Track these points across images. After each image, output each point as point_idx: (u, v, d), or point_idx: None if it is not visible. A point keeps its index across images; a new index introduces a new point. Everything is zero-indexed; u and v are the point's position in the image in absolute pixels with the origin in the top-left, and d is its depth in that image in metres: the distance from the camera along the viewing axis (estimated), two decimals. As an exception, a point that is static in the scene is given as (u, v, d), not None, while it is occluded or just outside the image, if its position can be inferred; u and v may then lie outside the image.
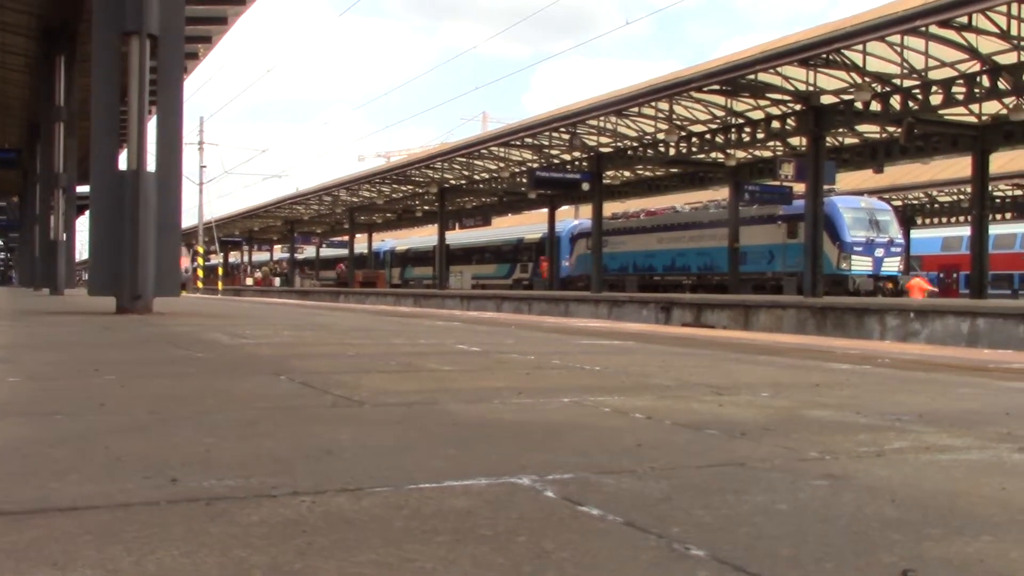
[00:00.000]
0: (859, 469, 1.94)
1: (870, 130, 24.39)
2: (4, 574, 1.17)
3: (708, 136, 25.44)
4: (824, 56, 18.65)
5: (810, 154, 20.92)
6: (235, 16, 19.18)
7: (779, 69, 19.67)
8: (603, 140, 28.40)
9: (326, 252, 57.69)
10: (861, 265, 26.57)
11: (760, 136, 23.96)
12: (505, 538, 1.36)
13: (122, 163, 9.31)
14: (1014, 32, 16.85)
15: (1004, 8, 16.06)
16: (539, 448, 2.14)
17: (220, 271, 53.36)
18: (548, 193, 33.94)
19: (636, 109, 24.35)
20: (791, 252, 26.95)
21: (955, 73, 18.93)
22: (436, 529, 1.40)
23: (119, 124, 9.47)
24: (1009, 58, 17.97)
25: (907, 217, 35.96)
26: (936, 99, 19.45)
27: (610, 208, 34.71)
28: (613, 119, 26.07)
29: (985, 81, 18.58)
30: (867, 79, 19.68)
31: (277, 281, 59.64)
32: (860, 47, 18.24)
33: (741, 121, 24.07)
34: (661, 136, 25.81)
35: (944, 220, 38.26)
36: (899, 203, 35.58)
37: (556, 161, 31.92)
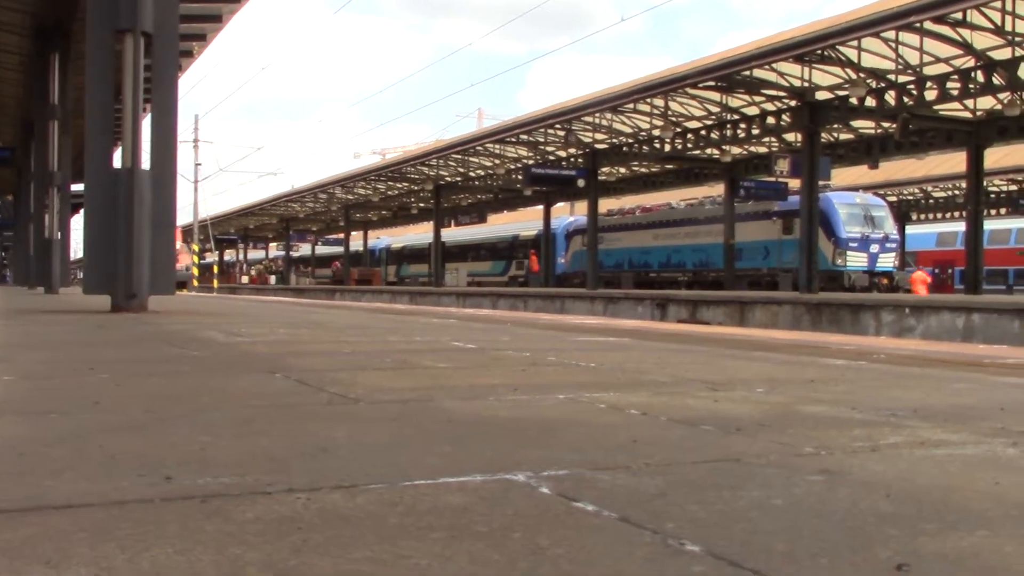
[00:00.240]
0: (854, 464, 1.94)
1: (865, 126, 24.42)
2: (-2, 573, 1.16)
3: (703, 132, 25.45)
4: (819, 52, 18.67)
5: (805, 150, 20.94)
6: (230, 14, 19.13)
7: (774, 65, 19.69)
8: (598, 136, 28.41)
9: (322, 250, 57.68)
10: (856, 261, 26.62)
11: (755, 132, 23.99)
12: (500, 534, 1.36)
13: (117, 161, 9.28)
14: (1008, 28, 16.89)
15: (998, 4, 16.10)
16: (534, 444, 2.14)
17: (215, 269, 53.33)
18: (544, 190, 33.97)
19: (631, 105, 24.36)
20: (786, 248, 27.00)
21: (950, 69, 18.97)
22: (431, 526, 1.40)
23: (113, 122, 9.44)
24: (1003, 53, 18.01)
25: (902, 213, 36.02)
26: (931, 95, 19.48)
27: (606, 205, 34.72)
28: (608, 115, 26.08)
29: (979, 77, 18.62)
30: (862, 75, 19.71)
31: (272, 279, 59.62)
32: (855, 43, 18.26)
33: (736, 117, 24.08)
34: (656, 132, 25.81)
35: (939, 216, 38.33)
36: (894, 199, 35.64)
37: (552, 158, 31.93)
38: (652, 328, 8.64)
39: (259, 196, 61.12)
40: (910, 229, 37.43)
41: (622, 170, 33.62)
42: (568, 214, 43.77)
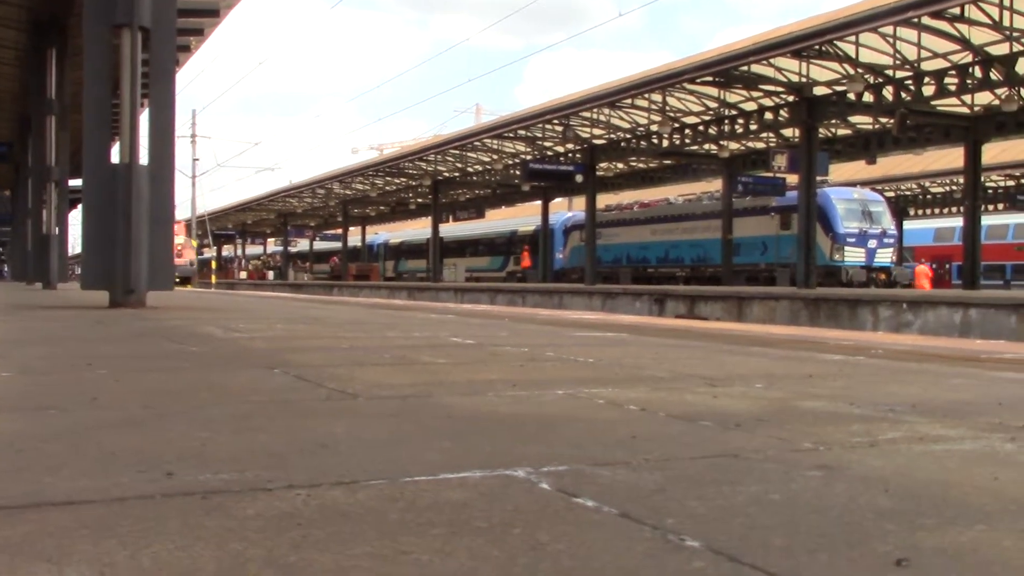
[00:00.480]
0: (852, 459, 1.95)
1: (863, 121, 24.43)
2: (-1, 569, 1.16)
3: (701, 127, 25.44)
4: (817, 47, 18.67)
5: (803, 145, 20.95)
6: (227, 8, 19.06)
7: (772, 60, 19.69)
8: (596, 132, 28.39)
9: (320, 245, 57.58)
10: (854, 256, 26.64)
11: (753, 127, 23.99)
12: (500, 530, 1.36)
13: (114, 156, 9.27)
14: (1006, 23, 16.89)
15: (996, -1, 16.11)
16: (534, 440, 2.14)
17: (213, 265, 53.28)
18: (542, 185, 33.96)
19: (629, 101, 24.35)
20: (784, 243, 27.01)
21: (947, 64, 18.97)
22: (431, 522, 1.40)
23: (111, 117, 9.43)
24: (1001, 49, 18.01)
25: (900, 208, 36.05)
26: (929, 90, 19.48)
27: (604, 200, 34.72)
28: (606, 111, 26.07)
29: (977, 72, 18.62)
30: (860, 70, 19.71)
31: (270, 275, 59.54)
32: (853, 38, 18.27)
33: (734, 112, 24.07)
34: (654, 128, 25.82)
35: (937, 211, 38.33)
36: (892, 194, 35.66)
37: (549, 153, 31.92)
38: (650, 323, 8.64)
39: (257, 191, 61.12)
40: (908, 224, 37.47)
41: (620, 165, 33.62)
42: (566, 210, 43.78)
